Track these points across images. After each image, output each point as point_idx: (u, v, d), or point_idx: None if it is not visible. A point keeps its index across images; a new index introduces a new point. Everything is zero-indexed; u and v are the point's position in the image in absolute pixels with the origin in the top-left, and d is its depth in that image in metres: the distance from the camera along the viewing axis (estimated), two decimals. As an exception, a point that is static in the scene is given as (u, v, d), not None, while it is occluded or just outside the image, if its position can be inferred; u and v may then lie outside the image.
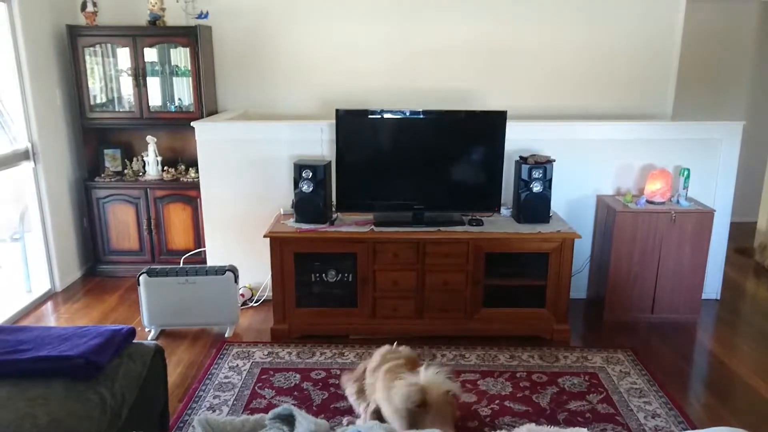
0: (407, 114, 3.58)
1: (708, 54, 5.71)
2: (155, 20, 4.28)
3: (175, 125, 4.43)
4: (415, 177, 3.64)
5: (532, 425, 1.11)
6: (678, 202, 3.78)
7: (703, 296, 3.93)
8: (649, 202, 3.77)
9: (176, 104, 4.44)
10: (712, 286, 4.14)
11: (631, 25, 4.48)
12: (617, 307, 3.80)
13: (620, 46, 4.50)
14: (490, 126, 3.57)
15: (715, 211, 3.73)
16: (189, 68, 4.28)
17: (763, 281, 4.62)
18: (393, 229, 3.48)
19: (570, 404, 2.89)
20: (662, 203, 3.76)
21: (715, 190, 4.01)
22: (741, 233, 5.30)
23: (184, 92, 4.42)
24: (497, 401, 2.92)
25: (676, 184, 3.85)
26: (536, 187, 3.56)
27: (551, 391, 3.01)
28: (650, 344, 3.51)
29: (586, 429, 1.09)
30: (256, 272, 4.04)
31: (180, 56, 4.36)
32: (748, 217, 5.52)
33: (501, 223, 3.60)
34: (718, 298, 4.19)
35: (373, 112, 3.59)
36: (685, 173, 3.80)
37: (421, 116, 3.59)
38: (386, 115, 3.58)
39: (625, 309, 3.80)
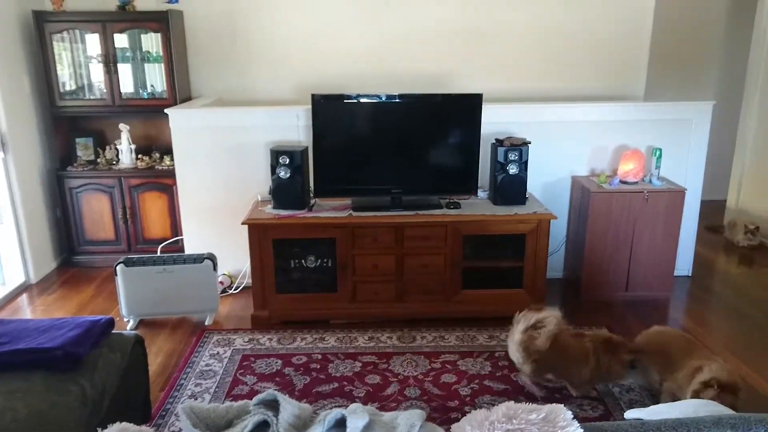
0: (383, 98, 3.58)
1: (679, 35, 5.79)
2: (125, 5, 4.20)
3: (149, 112, 4.37)
4: (392, 161, 3.65)
5: (511, 403, 1.14)
6: (651, 181, 3.85)
7: (676, 273, 4.03)
8: (622, 182, 3.83)
9: (149, 91, 4.37)
10: (684, 263, 4.24)
11: (605, 7, 4.51)
12: (593, 286, 3.87)
13: (594, 28, 4.54)
14: (466, 109, 3.59)
15: (686, 190, 3.81)
16: (161, 54, 4.21)
17: (732, 257, 4.75)
18: (371, 214, 3.49)
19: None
20: (635, 183, 3.82)
21: (686, 169, 4.09)
22: (711, 211, 5.42)
23: (156, 78, 4.35)
24: (477, 381, 2.97)
25: (649, 164, 3.92)
26: (512, 170, 3.60)
27: (529, 370, 3.07)
28: (625, 321, 3.59)
29: (563, 405, 1.12)
30: (235, 259, 4.03)
31: (151, 42, 4.29)
32: (718, 196, 5.64)
33: (478, 206, 3.63)
34: (690, 274, 4.29)
35: (349, 97, 3.58)
36: (658, 153, 3.87)
37: (398, 100, 3.59)
38: (362, 100, 3.58)
39: (601, 287, 3.88)
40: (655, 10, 4.53)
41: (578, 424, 1.09)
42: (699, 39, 5.87)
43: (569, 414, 1.12)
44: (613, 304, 3.83)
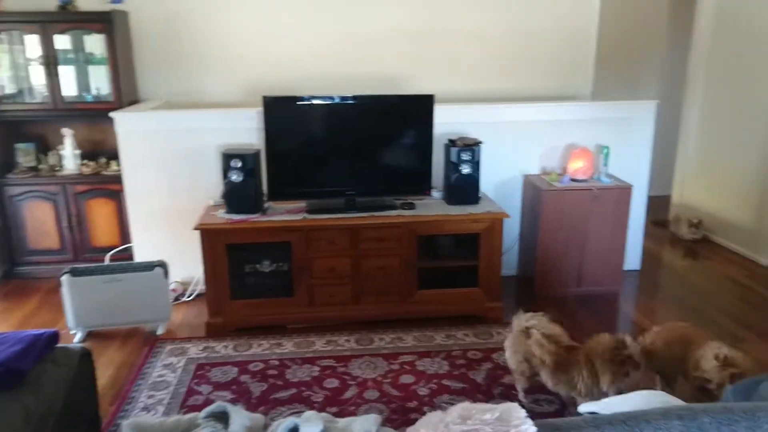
0: (336, 100, 3.56)
1: (624, 37, 5.97)
2: (65, 5, 4.05)
3: (93, 116, 4.22)
4: (346, 163, 3.63)
5: (466, 403, 1.14)
6: (599, 179, 3.95)
7: (625, 267, 4.14)
8: (572, 180, 3.92)
9: (93, 94, 4.23)
10: (633, 258, 4.37)
11: (552, 9, 4.59)
12: (546, 283, 3.95)
13: (542, 29, 4.62)
14: (418, 110, 3.60)
15: (633, 186, 3.92)
16: (105, 56, 4.07)
17: (678, 251, 4.92)
18: (326, 216, 3.47)
19: (504, 378, 2.99)
20: (585, 181, 3.91)
21: (632, 166, 4.21)
22: (657, 206, 5.60)
23: (101, 81, 4.21)
24: (435, 381, 2.98)
25: (597, 162, 4.02)
26: (465, 169, 3.63)
27: (486, 367, 3.10)
28: (578, 316, 3.67)
29: (516, 403, 1.13)
30: (188, 266, 3.94)
31: (95, 43, 4.14)
32: (664, 191, 5.83)
33: (432, 206, 3.65)
34: (639, 268, 4.42)
35: (302, 99, 3.55)
36: (605, 151, 3.98)
37: (351, 101, 3.58)
38: (315, 102, 3.55)
39: (554, 284, 3.95)
40: (600, 12, 4.65)
41: (531, 422, 1.10)
42: (643, 40, 6.07)
43: (523, 412, 1.13)
44: (566, 300, 3.91)
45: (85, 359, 2.43)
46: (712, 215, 5.03)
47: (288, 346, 3.33)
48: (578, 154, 3.94)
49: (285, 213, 3.53)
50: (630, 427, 1.13)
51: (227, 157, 3.45)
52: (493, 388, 2.92)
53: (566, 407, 2.77)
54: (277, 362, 3.17)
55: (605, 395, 2.61)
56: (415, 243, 3.50)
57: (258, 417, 1.17)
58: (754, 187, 4.55)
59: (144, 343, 3.41)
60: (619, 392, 2.45)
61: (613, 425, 1.14)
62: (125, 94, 4.13)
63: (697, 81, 5.11)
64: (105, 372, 3.10)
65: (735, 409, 1.16)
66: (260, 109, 3.57)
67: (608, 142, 4.08)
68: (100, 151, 4.40)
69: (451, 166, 3.65)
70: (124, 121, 3.79)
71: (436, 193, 3.84)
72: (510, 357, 2.78)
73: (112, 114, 3.78)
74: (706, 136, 5.08)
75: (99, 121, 4.23)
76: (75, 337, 3.43)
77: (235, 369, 3.11)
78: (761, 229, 4.50)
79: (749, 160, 4.59)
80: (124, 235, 4.23)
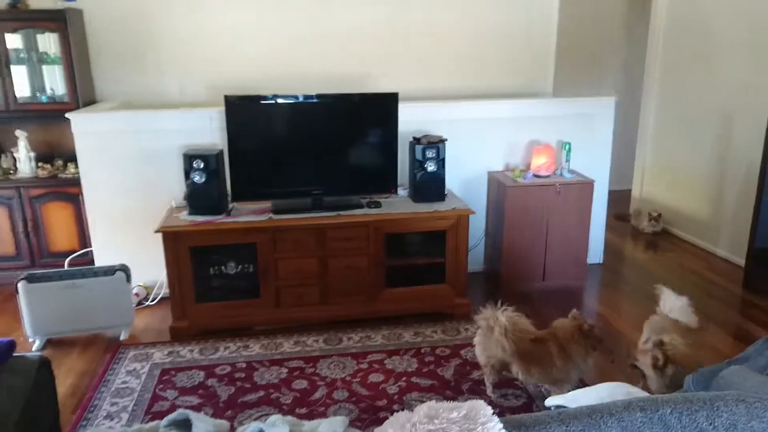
0: (300, 99, 3.53)
1: (583, 34, 6.07)
2: (16, 3, 3.92)
3: (48, 117, 4.10)
4: (311, 162, 3.60)
5: (433, 402, 1.14)
6: (562, 174, 4.01)
7: (589, 261, 4.22)
8: (535, 176, 3.97)
9: (48, 94, 4.10)
10: (596, 252, 4.45)
11: (513, 8, 4.64)
12: (512, 278, 3.99)
13: (504, 27, 4.67)
14: (383, 108, 3.59)
15: (594, 181, 3.99)
16: (59, 55, 3.96)
17: (639, 244, 5.03)
18: (292, 216, 3.44)
19: (473, 374, 3.01)
20: (548, 176, 3.97)
21: (594, 161, 4.28)
22: (618, 201, 5.72)
23: (56, 81, 4.09)
24: (404, 378, 2.99)
25: (560, 158, 4.08)
26: (430, 167, 3.64)
27: (455, 363, 3.12)
28: (543, 310, 3.72)
29: (482, 401, 1.14)
30: (151, 269, 3.86)
31: (48, 42, 4.02)
32: (624, 186, 5.96)
33: (399, 204, 3.65)
34: (602, 262, 4.51)
35: (265, 98, 3.51)
36: (567, 147, 4.04)
37: (315, 100, 3.55)
38: (279, 101, 3.51)
39: (520, 278, 4.00)
40: (559, 11, 4.72)
41: (498, 420, 1.11)
42: (601, 37, 6.18)
43: (489, 410, 1.13)
44: (532, 294, 3.96)
45: (43, 368, 2.35)
46: (671, 208, 5.16)
47: (255, 348, 3.29)
48: (541, 150, 3.99)
49: (250, 214, 3.48)
50: (595, 420, 1.15)
51: (189, 158, 3.39)
52: (462, 384, 2.94)
53: (534, 401, 2.81)
54: (244, 365, 3.13)
55: (579, 381, 2.68)
56: (382, 241, 3.49)
57: (222, 423, 1.15)
58: (711, 180, 4.69)
59: (106, 349, 3.33)
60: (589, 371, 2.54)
61: (579, 419, 1.16)
62: (82, 95, 4.02)
63: (654, 78, 5.23)
64: (65, 380, 3.01)
65: (694, 399, 1.18)
66: (222, 108, 3.52)
67: (570, 138, 4.15)
68: (57, 153, 4.28)
69: (417, 164, 3.66)
70: (81, 122, 3.69)
71: (402, 191, 3.85)
72: (479, 352, 2.80)
73: (68, 115, 3.68)
74: (664, 132, 5.20)
75: (55, 123, 4.11)
76: (33, 346, 3.33)
77: (202, 373, 3.06)
78: (718, 221, 4.64)
79: (705, 154, 4.72)
80: (84, 240, 4.12)
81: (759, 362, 2.21)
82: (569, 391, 2.36)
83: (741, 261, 4.24)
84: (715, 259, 4.60)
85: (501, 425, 1.10)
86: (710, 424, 1.15)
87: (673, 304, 2.73)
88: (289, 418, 1.16)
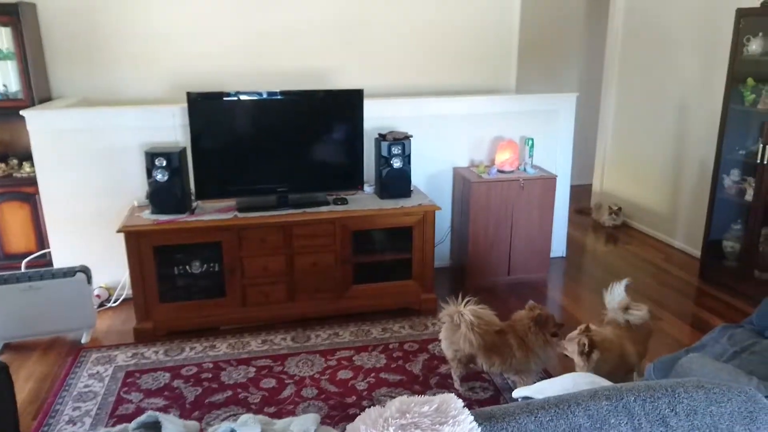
0: (264, 95, 3.49)
1: (544, 31, 6.17)
2: (-34, -4, 3.76)
3: (2, 115, 3.96)
4: (276, 159, 3.58)
5: (404, 397, 1.15)
6: (525, 170, 4.07)
7: (552, 255, 4.29)
8: (500, 171, 4.02)
9: (1, 91, 3.96)
10: (559, 245, 4.54)
11: (476, 5, 4.69)
12: (478, 272, 4.04)
13: (467, 24, 4.71)
14: (348, 104, 3.59)
15: (557, 176, 4.06)
16: (12, 50, 3.83)
17: (600, 237, 5.15)
18: (257, 214, 3.41)
19: (441, 368, 3.04)
20: (511, 172, 4.03)
21: (556, 157, 4.37)
22: (580, 195, 5.84)
23: (9, 77, 3.95)
24: (373, 374, 3.00)
25: (523, 153, 4.14)
26: (396, 163, 3.65)
27: (423, 358, 3.14)
28: (509, 304, 3.78)
29: (453, 394, 1.15)
30: (113, 270, 3.78)
31: (1, 37, 3.88)
32: (585, 180, 6.09)
33: (365, 201, 3.66)
34: (564, 255, 4.61)
35: (228, 95, 3.46)
36: (530, 143, 4.10)
37: (279, 97, 3.52)
38: (242, 97, 3.47)
39: (485, 273, 4.05)
40: (521, 7, 4.78)
41: (468, 412, 1.13)
42: (562, 35, 6.30)
43: (460, 402, 1.15)
44: (497, 288, 4.02)
45: (1, 373, 2.28)
46: (631, 202, 5.30)
47: (222, 348, 3.26)
48: (504, 146, 4.05)
49: (215, 212, 3.44)
50: (562, 410, 1.18)
51: (151, 156, 3.32)
52: (430, 378, 2.97)
53: (501, 393, 2.85)
54: (211, 365, 3.09)
55: (543, 371, 2.75)
56: (348, 238, 3.49)
57: (193, 424, 1.13)
58: (668, 174, 4.83)
59: (67, 353, 3.25)
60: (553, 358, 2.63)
61: (546, 409, 1.18)
62: (37, 91, 3.90)
63: (613, 74, 5.36)
64: (25, 385, 2.93)
65: (656, 387, 1.22)
66: (184, 105, 3.46)
67: (533, 134, 4.22)
68: (11, 152, 4.14)
69: (382, 161, 3.66)
70: (36, 120, 3.58)
71: (368, 188, 3.85)
72: (446, 347, 2.83)
73: (22, 112, 3.56)
74: (623, 127, 5.33)
75: (8, 120, 3.98)
76: (-10, 351, 3.22)
77: (167, 374, 3.01)
78: (675, 214, 4.79)
79: (662, 148, 4.86)
80: (41, 241, 4.00)
81: (716, 350, 2.29)
82: (535, 382, 2.42)
83: (697, 252, 4.38)
84: (672, 250, 4.74)
85: (471, 417, 1.11)
86: (672, 410, 1.19)
87: (610, 302, 2.83)
88: (260, 417, 1.16)
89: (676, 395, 1.21)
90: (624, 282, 2.87)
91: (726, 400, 1.21)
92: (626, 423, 1.17)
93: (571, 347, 2.55)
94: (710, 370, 1.93)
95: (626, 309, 2.74)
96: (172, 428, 1.04)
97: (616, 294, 2.83)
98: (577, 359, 2.53)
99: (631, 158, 5.26)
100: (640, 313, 2.72)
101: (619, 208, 5.28)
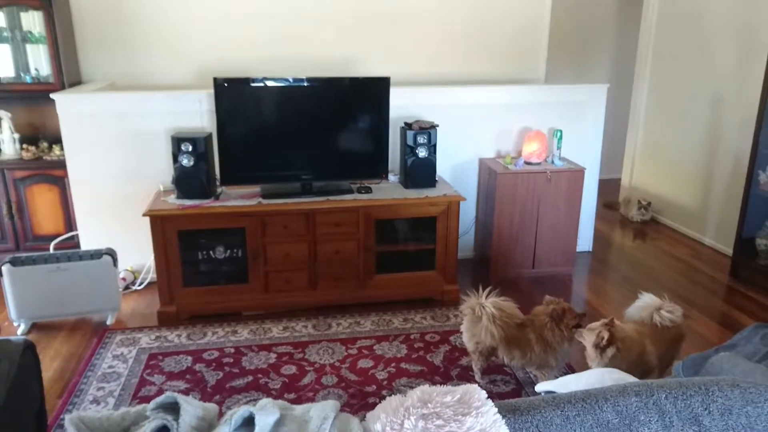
0: (291, 82, 3.48)
1: (575, 22, 6.05)
2: (-1, -20, 3.81)
3: (33, 98, 4.02)
4: (301, 146, 3.56)
5: (426, 386, 1.13)
6: (553, 162, 4.00)
7: (578, 249, 4.23)
8: (527, 163, 3.95)
9: (32, 75, 4.01)
10: (585, 239, 4.46)
11: (506, -8, 4.61)
12: (502, 265, 3.99)
13: (495, 12, 4.63)
14: (374, 93, 3.55)
15: (585, 169, 3.98)
16: (44, 34, 3.87)
17: (628, 232, 5.05)
18: (281, 201, 3.40)
19: (462, 360, 3.01)
20: (539, 164, 3.96)
21: (584, 149, 4.28)
22: (608, 189, 5.73)
23: (40, 61, 4.00)
24: (393, 364, 2.98)
25: (551, 145, 4.07)
26: (422, 153, 3.61)
27: (444, 350, 3.11)
28: (532, 297, 3.72)
29: (476, 385, 1.12)
30: (138, 254, 3.82)
31: (32, 20, 3.93)
32: (614, 174, 5.98)
33: (389, 190, 3.63)
34: (591, 250, 4.52)
35: (255, 80, 3.45)
36: (558, 134, 4.03)
37: (305, 84, 3.50)
38: (269, 83, 3.46)
39: (509, 266, 4.00)
40: (553, -3, 4.69)
41: (492, 404, 1.10)
42: (594, 24, 6.16)
43: (483, 394, 1.12)
44: (521, 281, 3.96)
45: (28, 352, 2.31)
46: (660, 197, 5.18)
47: (243, 334, 3.27)
48: (532, 137, 3.98)
49: (239, 198, 3.44)
50: (589, 405, 1.14)
51: (177, 141, 3.33)
52: (451, 370, 2.94)
53: (523, 387, 2.81)
54: (232, 350, 3.10)
55: (566, 366, 2.69)
56: (371, 227, 3.47)
57: (211, 407, 1.13)
58: (699, 169, 4.70)
59: (92, 333, 3.29)
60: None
61: (573, 403, 1.15)
62: (67, 75, 3.94)
63: (646, 66, 5.23)
64: (51, 364, 2.98)
65: (689, 384, 1.18)
66: (211, 91, 3.46)
67: (561, 126, 4.14)
68: (41, 135, 4.20)
69: (408, 150, 3.63)
70: (66, 104, 3.62)
71: (393, 177, 3.82)
72: (467, 339, 2.80)
73: (53, 96, 3.60)
74: (654, 120, 5.21)
75: (39, 104, 4.03)
76: (18, 330, 3.28)
77: (189, 358, 3.03)
78: (706, 210, 4.66)
79: (695, 143, 4.73)
80: (69, 223, 4.06)
81: (747, 349, 2.22)
82: (557, 377, 2.37)
83: (728, 250, 4.27)
84: (702, 247, 4.62)
85: (495, 409, 1.08)
86: (705, 408, 1.14)
87: (632, 310, 2.74)
88: (279, 401, 1.14)
89: (710, 393, 1.16)
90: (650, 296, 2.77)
91: (763, 401, 1.16)
92: (657, 420, 1.13)
93: (588, 337, 2.48)
94: (742, 370, 1.86)
95: (659, 309, 2.66)
96: (190, 410, 1.03)
97: (645, 299, 2.74)
98: (590, 350, 2.46)
99: (662, 152, 5.14)
100: (669, 315, 2.64)
101: (649, 203, 5.17)
